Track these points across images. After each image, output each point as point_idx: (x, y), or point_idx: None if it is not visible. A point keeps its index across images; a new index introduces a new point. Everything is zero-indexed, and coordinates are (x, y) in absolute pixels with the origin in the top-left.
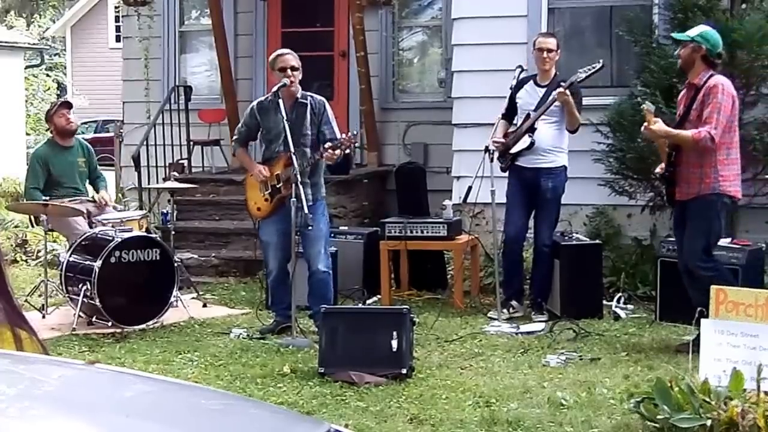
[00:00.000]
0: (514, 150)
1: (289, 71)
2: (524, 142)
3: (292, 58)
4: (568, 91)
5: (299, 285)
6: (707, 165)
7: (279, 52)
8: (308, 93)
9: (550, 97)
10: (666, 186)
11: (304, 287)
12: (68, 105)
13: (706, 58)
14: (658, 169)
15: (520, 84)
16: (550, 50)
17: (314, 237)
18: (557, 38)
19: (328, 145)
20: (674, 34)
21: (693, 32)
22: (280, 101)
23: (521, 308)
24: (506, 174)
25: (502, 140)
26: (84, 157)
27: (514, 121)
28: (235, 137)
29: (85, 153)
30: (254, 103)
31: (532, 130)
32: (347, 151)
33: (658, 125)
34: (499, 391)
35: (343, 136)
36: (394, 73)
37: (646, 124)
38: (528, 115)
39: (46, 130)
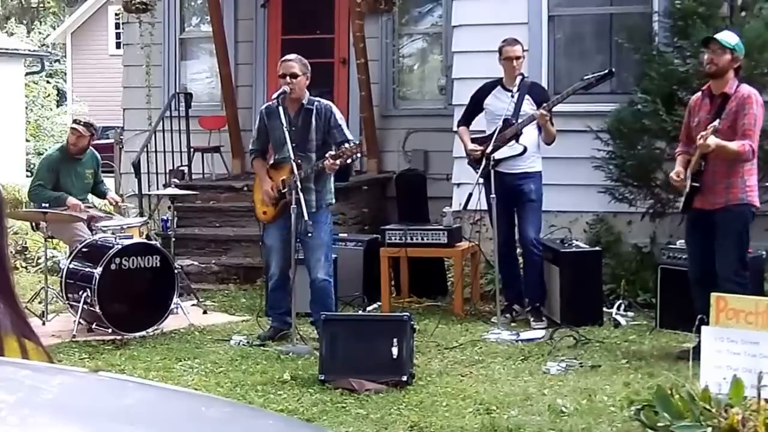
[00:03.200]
0: (499, 156)
1: (288, 78)
2: (515, 149)
3: (293, 65)
4: (548, 114)
5: (300, 292)
6: (734, 175)
7: (285, 57)
8: (315, 98)
9: (529, 115)
10: (688, 193)
11: (304, 294)
12: (82, 131)
13: (738, 69)
14: (673, 175)
15: (486, 89)
16: (518, 57)
17: (314, 245)
18: (521, 43)
19: (330, 153)
20: (718, 38)
21: (732, 40)
22: (280, 108)
23: (523, 312)
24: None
25: (480, 147)
26: (92, 168)
27: (483, 127)
28: (251, 148)
29: (94, 164)
30: (262, 108)
31: (517, 136)
32: (349, 161)
33: (712, 138)
34: (499, 398)
35: (346, 145)
36: (395, 80)
37: (704, 138)
38: (507, 121)
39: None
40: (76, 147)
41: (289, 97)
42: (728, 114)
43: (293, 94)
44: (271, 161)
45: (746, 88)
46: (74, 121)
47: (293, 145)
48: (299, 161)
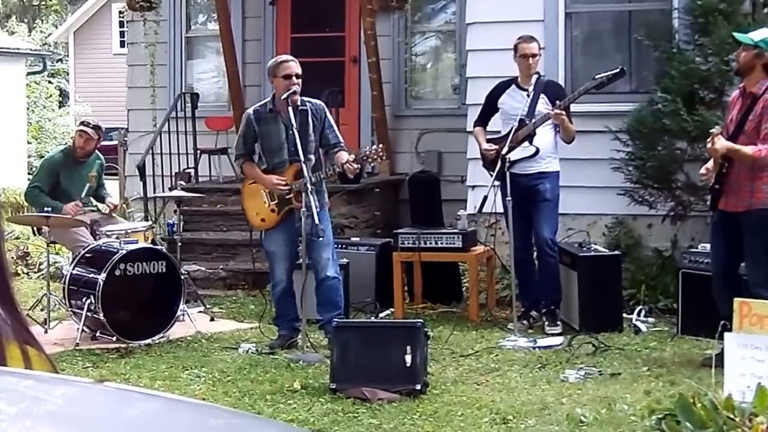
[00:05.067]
0: (514, 157)
1: (294, 78)
2: (527, 150)
3: (296, 65)
4: (563, 113)
5: (309, 298)
6: (758, 179)
7: (282, 58)
8: (306, 98)
9: (544, 114)
10: (712, 193)
11: (313, 301)
12: (91, 133)
13: (767, 66)
14: (702, 169)
15: (500, 88)
16: (534, 55)
17: (323, 244)
18: (537, 40)
19: (352, 158)
20: (737, 35)
21: (756, 36)
22: (290, 109)
23: (540, 317)
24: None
25: (495, 147)
26: (96, 172)
27: (499, 128)
28: (237, 153)
29: (98, 168)
30: (249, 111)
31: (530, 137)
32: (373, 165)
33: (721, 143)
34: (516, 407)
35: (369, 149)
36: (407, 80)
37: (711, 143)
38: (522, 121)
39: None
40: (83, 150)
41: (290, 99)
42: (755, 115)
43: (295, 96)
44: (263, 167)
45: None
46: (82, 123)
47: (293, 148)
48: (305, 163)
